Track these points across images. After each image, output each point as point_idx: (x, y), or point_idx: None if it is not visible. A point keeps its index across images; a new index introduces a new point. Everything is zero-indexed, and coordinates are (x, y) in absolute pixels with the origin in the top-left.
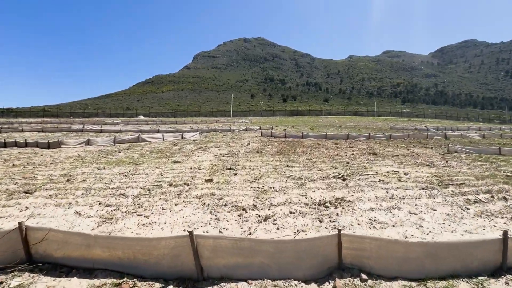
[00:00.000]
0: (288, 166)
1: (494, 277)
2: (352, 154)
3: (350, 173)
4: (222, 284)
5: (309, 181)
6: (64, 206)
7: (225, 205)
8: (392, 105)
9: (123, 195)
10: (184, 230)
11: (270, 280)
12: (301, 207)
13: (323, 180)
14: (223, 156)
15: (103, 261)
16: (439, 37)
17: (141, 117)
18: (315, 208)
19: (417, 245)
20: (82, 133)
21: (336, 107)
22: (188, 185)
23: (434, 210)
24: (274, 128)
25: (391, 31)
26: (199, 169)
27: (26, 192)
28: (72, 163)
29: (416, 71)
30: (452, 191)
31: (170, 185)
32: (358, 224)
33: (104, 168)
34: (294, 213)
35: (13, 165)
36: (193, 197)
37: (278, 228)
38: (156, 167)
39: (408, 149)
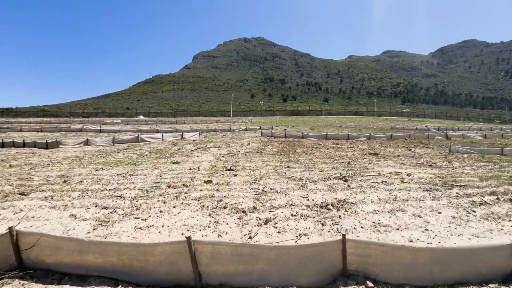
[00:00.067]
0: (288, 166)
1: (505, 284)
2: (353, 155)
3: (351, 174)
4: None
5: (310, 182)
6: (59, 208)
7: (224, 208)
8: (392, 105)
9: (120, 196)
10: (182, 234)
11: None
12: (302, 209)
13: (325, 181)
14: (222, 156)
15: (97, 268)
16: (439, 37)
17: (141, 117)
18: (317, 211)
19: (424, 251)
20: (81, 133)
21: (336, 107)
22: (187, 186)
23: (439, 212)
24: (274, 128)
25: (391, 31)
26: (199, 170)
27: (21, 194)
28: (70, 163)
29: (416, 71)
30: (457, 193)
31: (169, 186)
32: (362, 227)
33: (102, 168)
34: (295, 215)
35: (10, 165)
36: (192, 199)
37: (279, 232)
38: (155, 168)
39: (410, 150)
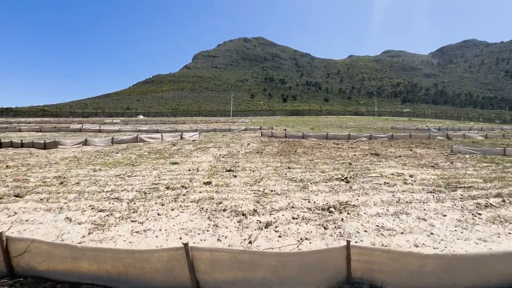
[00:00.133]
0: (289, 167)
1: None
2: (354, 155)
3: (353, 175)
4: None
5: (311, 183)
6: (54, 211)
7: (224, 210)
8: (392, 105)
9: (117, 199)
10: (180, 238)
11: None
12: (304, 212)
13: (326, 182)
14: (222, 157)
15: (91, 275)
16: (439, 37)
17: (141, 116)
18: (318, 213)
19: (433, 257)
20: (80, 133)
21: (336, 107)
22: (186, 188)
23: (444, 215)
24: (274, 128)
25: (391, 31)
26: (198, 171)
27: (16, 196)
28: (68, 164)
29: (416, 71)
30: (461, 195)
31: (167, 188)
32: (365, 231)
33: (100, 169)
34: (296, 218)
35: (7, 166)
36: (190, 201)
37: (280, 236)
38: (154, 169)
39: (411, 150)
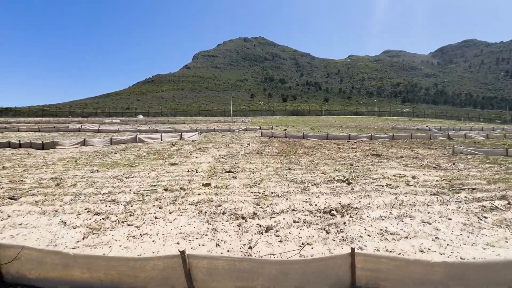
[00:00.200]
0: (289, 168)
1: None
2: (355, 156)
3: (354, 177)
4: None
5: (312, 185)
6: (49, 214)
7: (223, 213)
8: (392, 104)
9: (114, 201)
10: (177, 243)
11: None
12: (305, 215)
13: (327, 184)
14: (222, 157)
15: (83, 284)
16: (439, 36)
17: (141, 116)
18: (320, 217)
19: (441, 265)
20: (79, 133)
21: (336, 107)
22: (184, 189)
23: (449, 219)
24: (274, 128)
25: (391, 31)
26: (197, 172)
27: (10, 198)
28: (65, 165)
29: (416, 71)
30: (465, 197)
31: (166, 189)
32: (368, 235)
33: (98, 170)
34: (298, 222)
35: (3, 167)
36: (189, 204)
37: (281, 241)
38: (152, 170)
39: (412, 150)
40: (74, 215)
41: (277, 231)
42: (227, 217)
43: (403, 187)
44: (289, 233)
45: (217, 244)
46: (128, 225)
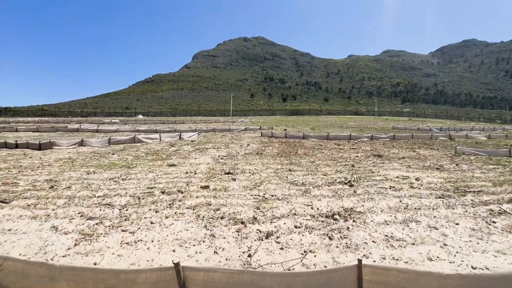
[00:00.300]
0: (290, 170)
1: None
2: (357, 156)
3: (357, 178)
4: None
5: (313, 187)
6: (41, 218)
7: (222, 218)
8: (392, 104)
9: (109, 205)
10: (173, 251)
11: None
12: (307, 220)
13: (329, 186)
14: (221, 158)
15: None
16: (439, 36)
17: (140, 116)
18: (322, 221)
19: (454, 277)
20: (77, 133)
21: (336, 107)
22: (182, 192)
23: (457, 224)
24: (274, 128)
25: (391, 31)
26: (195, 174)
27: (2, 202)
28: (61, 166)
29: (416, 71)
30: (472, 200)
31: (163, 192)
32: (373, 241)
33: (94, 172)
34: (299, 227)
35: None
36: (186, 208)
37: (282, 248)
38: (150, 171)
39: (414, 151)
40: (66, 220)
41: (277, 237)
42: (226, 222)
43: (407, 190)
44: (291, 239)
45: (215, 252)
46: (123, 230)
